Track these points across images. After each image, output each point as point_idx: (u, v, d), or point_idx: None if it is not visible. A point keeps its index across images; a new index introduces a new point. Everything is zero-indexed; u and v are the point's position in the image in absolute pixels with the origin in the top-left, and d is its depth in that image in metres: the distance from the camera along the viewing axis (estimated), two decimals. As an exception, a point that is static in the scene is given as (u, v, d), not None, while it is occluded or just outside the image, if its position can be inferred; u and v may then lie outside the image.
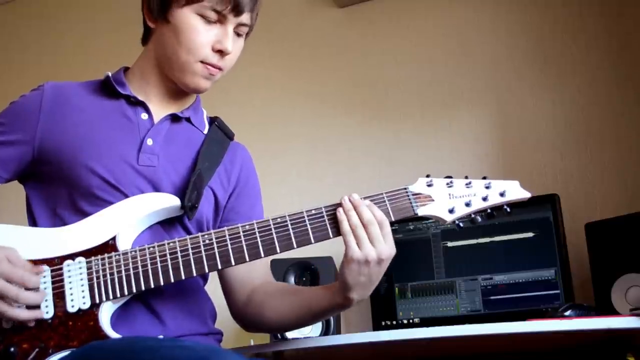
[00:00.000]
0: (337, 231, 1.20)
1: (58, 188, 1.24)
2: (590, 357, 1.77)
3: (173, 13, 1.27)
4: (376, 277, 1.19)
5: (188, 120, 1.37)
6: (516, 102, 2.24)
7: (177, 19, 1.27)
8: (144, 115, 1.32)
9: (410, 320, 2.00)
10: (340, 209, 1.19)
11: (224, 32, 1.27)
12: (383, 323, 2.02)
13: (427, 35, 2.40)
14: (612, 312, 1.68)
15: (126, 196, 1.23)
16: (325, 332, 1.86)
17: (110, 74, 1.34)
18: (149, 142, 1.28)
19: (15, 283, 1.11)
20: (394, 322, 2.01)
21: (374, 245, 1.16)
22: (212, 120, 1.43)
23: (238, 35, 1.31)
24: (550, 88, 2.21)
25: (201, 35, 1.26)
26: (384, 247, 1.17)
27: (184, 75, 1.29)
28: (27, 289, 1.12)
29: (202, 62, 1.27)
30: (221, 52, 1.28)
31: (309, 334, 1.85)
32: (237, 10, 1.27)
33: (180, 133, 1.34)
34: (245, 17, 1.29)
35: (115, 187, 1.23)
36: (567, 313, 1.60)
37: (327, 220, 1.20)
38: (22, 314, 1.11)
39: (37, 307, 1.13)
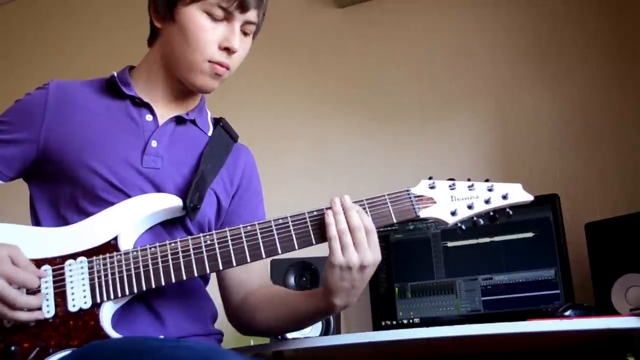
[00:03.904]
0: None
1: (61, 188, 1.24)
2: (590, 357, 1.77)
3: (179, 11, 1.26)
4: (359, 283, 1.18)
5: (193, 122, 1.36)
6: (516, 101, 2.24)
7: (183, 17, 1.26)
8: (149, 117, 1.31)
9: (410, 320, 2.00)
10: (329, 212, 1.18)
11: (231, 29, 1.27)
12: (383, 323, 2.02)
13: (426, 35, 2.40)
14: (612, 312, 1.68)
15: (129, 197, 1.22)
16: (325, 332, 1.86)
17: (115, 74, 1.34)
18: (154, 144, 1.28)
19: (16, 285, 1.11)
20: (394, 322, 2.01)
21: (358, 252, 1.15)
22: (217, 122, 1.42)
23: (245, 34, 1.31)
24: (549, 87, 2.21)
25: (208, 33, 1.25)
26: (368, 254, 1.16)
27: (192, 75, 1.28)
28: (28, 290, 1.12)
29: (209, 61, 1.27)
30: (228, 50, 1.27)
31: (309, 334, 1.85)
32: (243, 7, 1.26)
33: (184, 135, 1.34)
34: (251, 15, 1.28)
35: (119, 189, 1.22)
36: (567, 313, 1.60)
37: None
38: (22, 315, 1.11)
39: (38, 308, 1.13)
